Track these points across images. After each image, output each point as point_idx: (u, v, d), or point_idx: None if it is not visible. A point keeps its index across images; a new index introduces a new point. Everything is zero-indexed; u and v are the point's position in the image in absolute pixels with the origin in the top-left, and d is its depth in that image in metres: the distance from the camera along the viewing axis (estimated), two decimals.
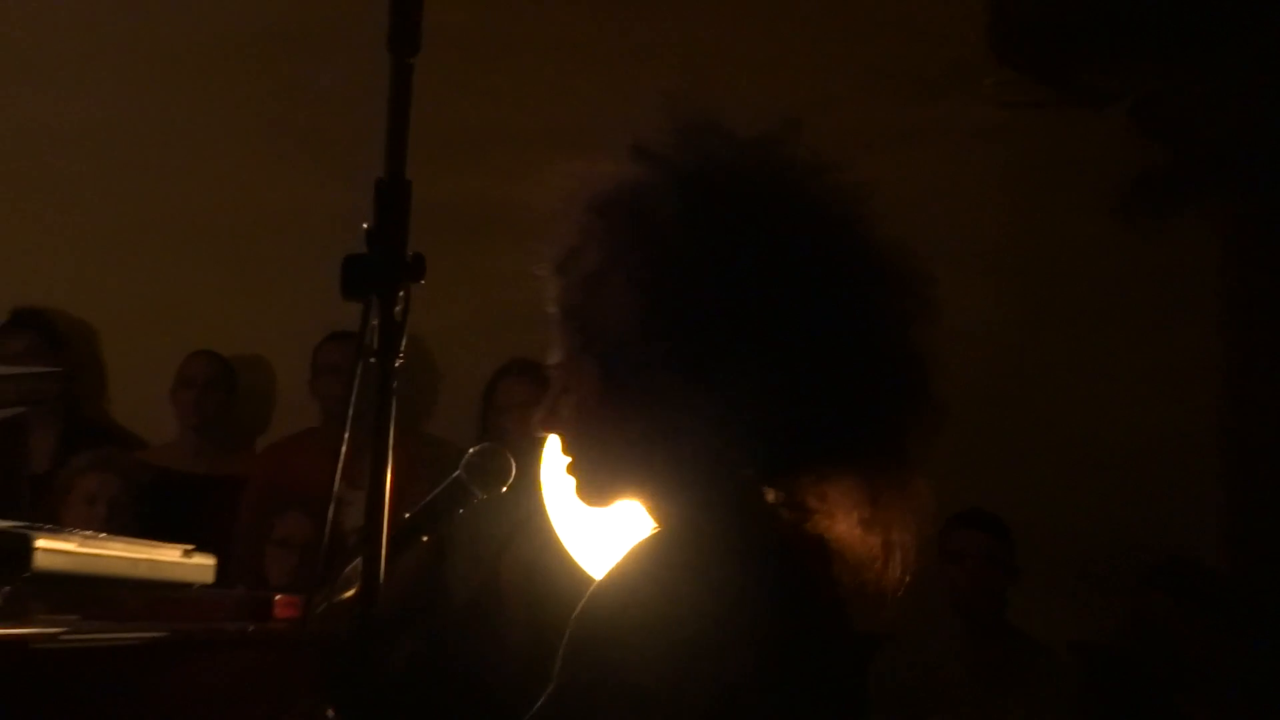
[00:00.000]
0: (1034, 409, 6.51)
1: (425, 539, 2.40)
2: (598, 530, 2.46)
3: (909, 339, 2.11)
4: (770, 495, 2.10)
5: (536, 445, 2.54)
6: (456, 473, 2.39)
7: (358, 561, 1.91)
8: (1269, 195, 6.42)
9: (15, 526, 2.53)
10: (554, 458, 2.49)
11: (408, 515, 2.37)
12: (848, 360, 2.06)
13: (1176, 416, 6.54)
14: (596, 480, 2.17)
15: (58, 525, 2.85)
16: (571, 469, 2.18)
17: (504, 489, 2.40)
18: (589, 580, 2.35)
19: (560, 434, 2.18)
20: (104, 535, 2.74)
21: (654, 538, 2.06)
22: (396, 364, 1.84)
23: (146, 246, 6.69)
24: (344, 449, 1.88)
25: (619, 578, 2.02)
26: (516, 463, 2.42)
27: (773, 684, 1.99)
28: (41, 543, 2.38)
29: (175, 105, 6.74)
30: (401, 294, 1.84)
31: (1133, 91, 6.53)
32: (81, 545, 2.53)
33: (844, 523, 2.09)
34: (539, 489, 2.56)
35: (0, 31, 6.81)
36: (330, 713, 2.85)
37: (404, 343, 1.85)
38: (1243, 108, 6.38)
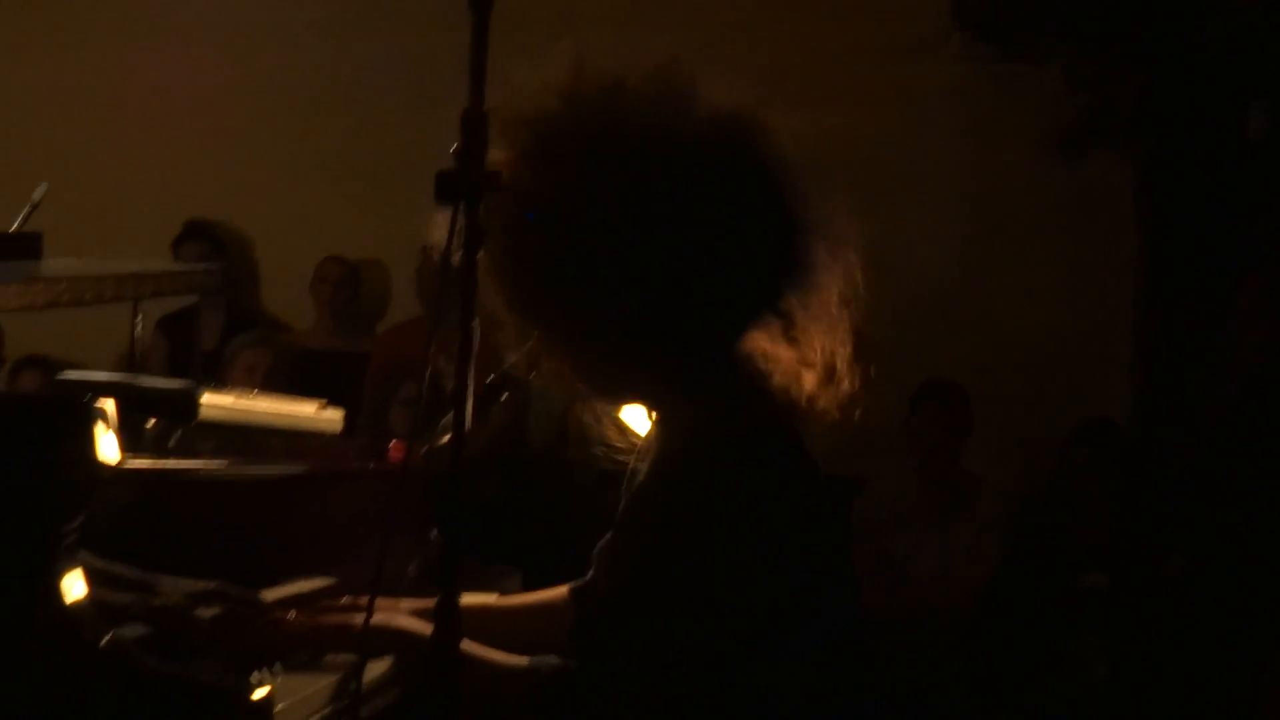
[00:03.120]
0: (987, 302, 6.46)
1: (505, 397, 2.38)
2: None
3: (778, 218, 2.03)
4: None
5: None
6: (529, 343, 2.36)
7: (450, 414, 1.90)
8: (1172, 136, 6.35)
9: (187, 385, 2.54)
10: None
11: (491, 378, 2.36)
12: (738, 243, 1.99)
13: (1097, 308, 6.48)
14: (605, 395, 2.18)
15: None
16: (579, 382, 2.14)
17: None
18: (630, 429, 2.33)
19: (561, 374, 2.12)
20: (256, 392, 2.73)
21: (685, 431, 2.04)
22: (478, 257, 1.79)
23: (292, 173, 6.67)
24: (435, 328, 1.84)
25: (673, 458, 2.03)
26: None
27: (781, 518, 1.98)
28: (206, 397, 2.39)
29: (319, 66, 6.71)
30: (482, 201, 1.79)
31: (1065, 51, 6.44)
32: (237, 400, 2.52)
33: (784, 359, 2.06)
34: None
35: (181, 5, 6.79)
36: (433, 532, 2.86)
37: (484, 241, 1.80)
38: (1151, 64, 6.30)
